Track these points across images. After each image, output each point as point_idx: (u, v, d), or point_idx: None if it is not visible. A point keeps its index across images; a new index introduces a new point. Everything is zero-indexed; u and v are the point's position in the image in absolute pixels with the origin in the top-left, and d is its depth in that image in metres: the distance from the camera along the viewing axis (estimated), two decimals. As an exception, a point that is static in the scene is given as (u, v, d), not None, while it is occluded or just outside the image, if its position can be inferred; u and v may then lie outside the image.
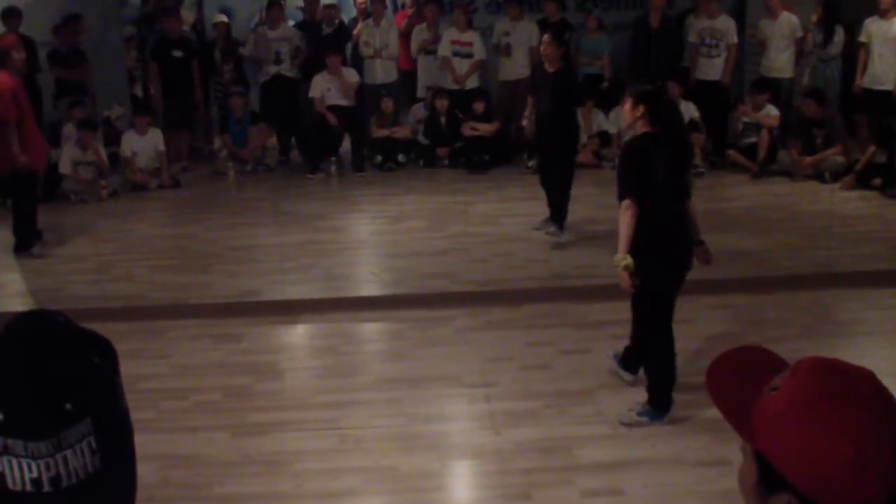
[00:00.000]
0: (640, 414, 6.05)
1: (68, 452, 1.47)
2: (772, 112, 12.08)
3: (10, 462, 1.47)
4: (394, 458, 5.72)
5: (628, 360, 6.50)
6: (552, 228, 9.65)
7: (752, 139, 12.12)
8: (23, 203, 9.87)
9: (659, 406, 6.06)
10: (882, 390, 1.49)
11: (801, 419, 1.48)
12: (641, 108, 5.97)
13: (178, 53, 13.29)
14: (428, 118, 13.09)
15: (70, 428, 1.46)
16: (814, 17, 12.73)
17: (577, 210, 10.61)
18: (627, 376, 6.51)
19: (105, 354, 1.56)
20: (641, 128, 6.01)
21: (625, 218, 5.81)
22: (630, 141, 6.26)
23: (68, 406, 1.46)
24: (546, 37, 9.70)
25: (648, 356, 6.19)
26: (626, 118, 6.29)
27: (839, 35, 12.60)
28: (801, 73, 12.93)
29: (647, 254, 5.81)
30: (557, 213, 9.67)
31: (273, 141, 13.72)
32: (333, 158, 12.98)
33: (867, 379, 1.49)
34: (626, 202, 5.81)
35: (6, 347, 1.52)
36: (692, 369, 6.58)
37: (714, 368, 1.70)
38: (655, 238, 5.85)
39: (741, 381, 1.64)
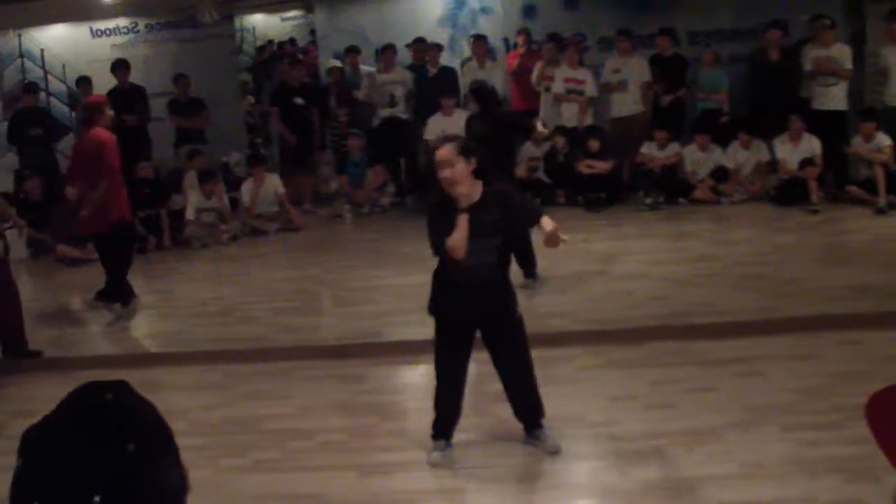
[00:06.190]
0: None
1: None
2: (883, 143, 11.76)
3: None
4: (520, 498, 5.70)
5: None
6: None
7: (870, 173, 11.82)
8: (122, 254, 9.72)
9: None
10: None
11: None
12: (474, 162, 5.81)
13: (299, 101, 13.58)
14: (546, 156, 13.07)
15: None
16: None
17: (696, 247, 10.54)
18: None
19: (145, 440, 1.56)
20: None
21: None
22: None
23: (97, 499, 1.47)
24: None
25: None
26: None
27: None
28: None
29: None
30: None
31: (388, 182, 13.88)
32: (448, 199, 13.03)
33: None
34: None
35: (45, 432, 1.55)
36: (818, 407, 6.44)
37: (877, 398, 1.66)
38: None
39: None
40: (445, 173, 5.69)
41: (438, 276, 6.04)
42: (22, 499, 1.50)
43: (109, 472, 1.49)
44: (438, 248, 5.77)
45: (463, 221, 5.65)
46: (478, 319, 6.01)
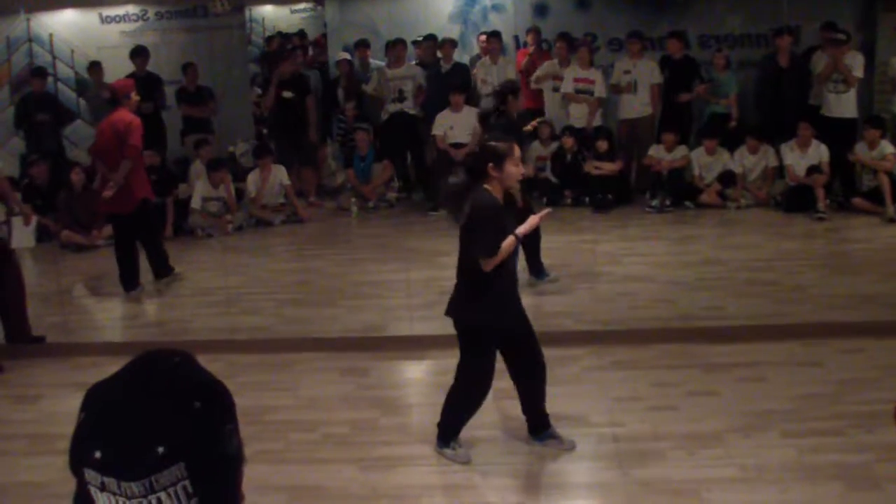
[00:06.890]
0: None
1: (161, 494, 1.49)
2: (886, 151, 11.71)
3: (108, 499, 1.50)
4: (521, 495, 5.70)
5: None
6: None
7: (875, 182, 11.79)
8: (153, 234, 10.21)
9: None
10: None
11: None
12: None
13: (287, 94, 13.54)
14: (554, 156, 13.06)
15: (163, 471, 1.48)
16: None
17: (701, 250, 10.53)
18: None
19: (210, 401, 1.57)
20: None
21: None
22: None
23: (160, 450, 1.48)
24: None
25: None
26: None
27: None
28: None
29: None
30: None
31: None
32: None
33: None
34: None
35: (112, 387, 1.56)
36: (820, 413, 6.44)
37: None
38: None
39: None
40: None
41: (492, 286, 5.74)
42: (83, 449, 1.52)
43: (175, 425, 1.50)
44: (493, 254, 5.61)
45: (512, 241, 5.70)
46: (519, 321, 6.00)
